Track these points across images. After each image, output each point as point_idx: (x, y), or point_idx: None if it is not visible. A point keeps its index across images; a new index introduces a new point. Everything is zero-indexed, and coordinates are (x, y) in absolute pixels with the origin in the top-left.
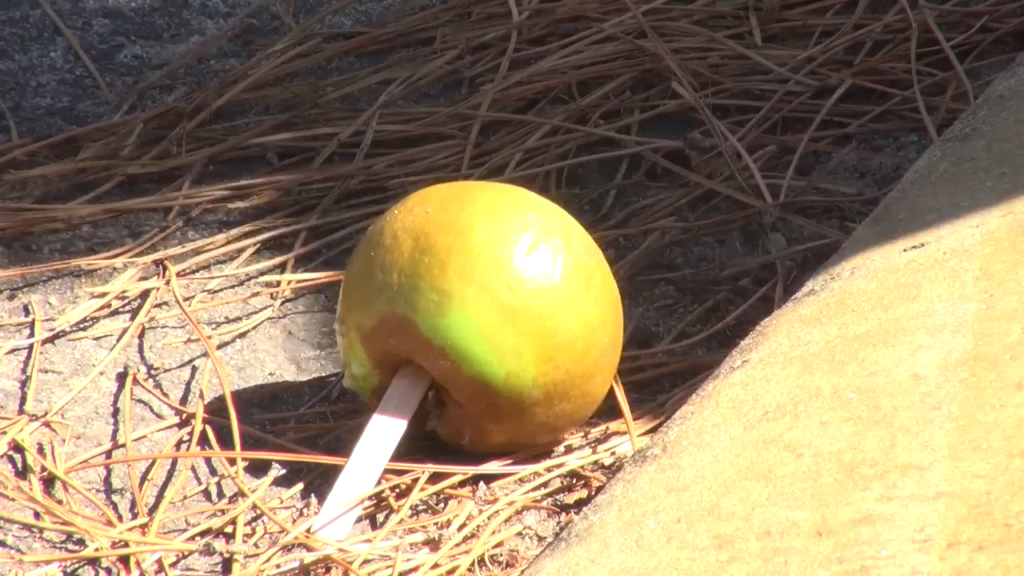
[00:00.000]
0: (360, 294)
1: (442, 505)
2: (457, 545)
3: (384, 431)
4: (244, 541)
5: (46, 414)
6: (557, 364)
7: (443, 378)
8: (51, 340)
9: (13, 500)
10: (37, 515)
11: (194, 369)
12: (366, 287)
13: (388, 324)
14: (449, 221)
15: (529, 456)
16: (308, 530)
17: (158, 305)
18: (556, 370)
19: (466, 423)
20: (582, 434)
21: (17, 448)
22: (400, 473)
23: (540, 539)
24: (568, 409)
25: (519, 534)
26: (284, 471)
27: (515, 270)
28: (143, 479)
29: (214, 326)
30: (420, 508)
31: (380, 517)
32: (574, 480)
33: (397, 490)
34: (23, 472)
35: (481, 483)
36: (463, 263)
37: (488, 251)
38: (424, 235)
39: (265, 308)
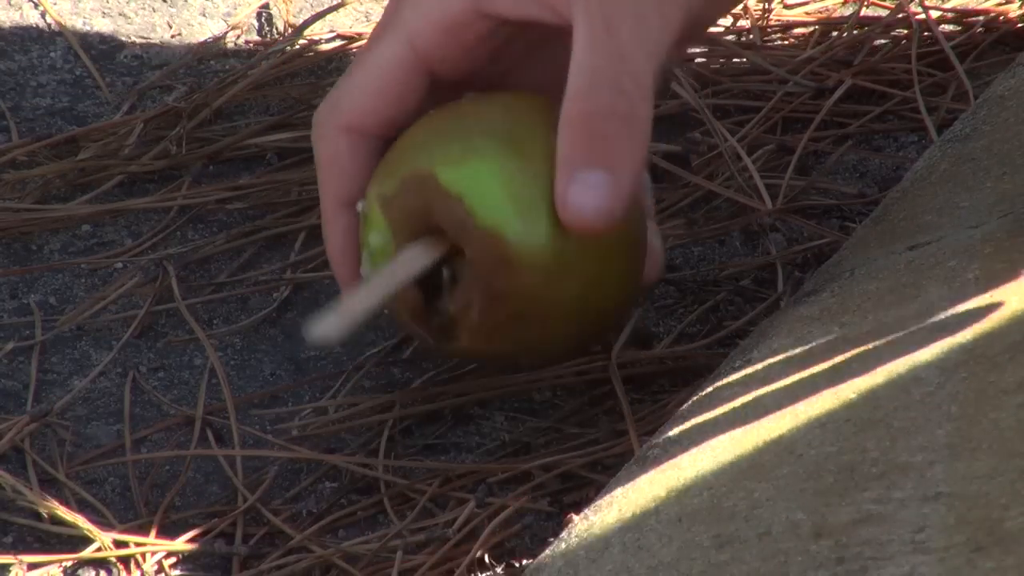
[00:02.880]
0: (384, 168)
1: (442, 505)
2: (457, 545)
3: (396, 272)
4: (244, 541)
5: (46, 414)
6: (570, 232)
7: (457, 232)
8: (51, 340)
9: (13, 500)
10: (37, 515)
11: (194, 369)
12: (391, 162)
13: (409, 185)
14: (479, 103)
15: (529, 457)
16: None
17: (158, 305)
18: (568, 237)
19: (476, 289)
20: (583, 434)
21: (17, 448)
22: (400, 473)
23: (540, 539)
24: (580, 293)
25: (519, 534)
26: (284, 471)
27: (543, 135)
28: (143, 479)
29: (214, 326)
30: (420, 508)
31: (380, 517)
32: (574, 480)
33: (397, 490)
34: (23, 472)
35: (481, 483)
36: (492, 122)
37: (517, 115)
38: (456, 109)
39: (265, 308)
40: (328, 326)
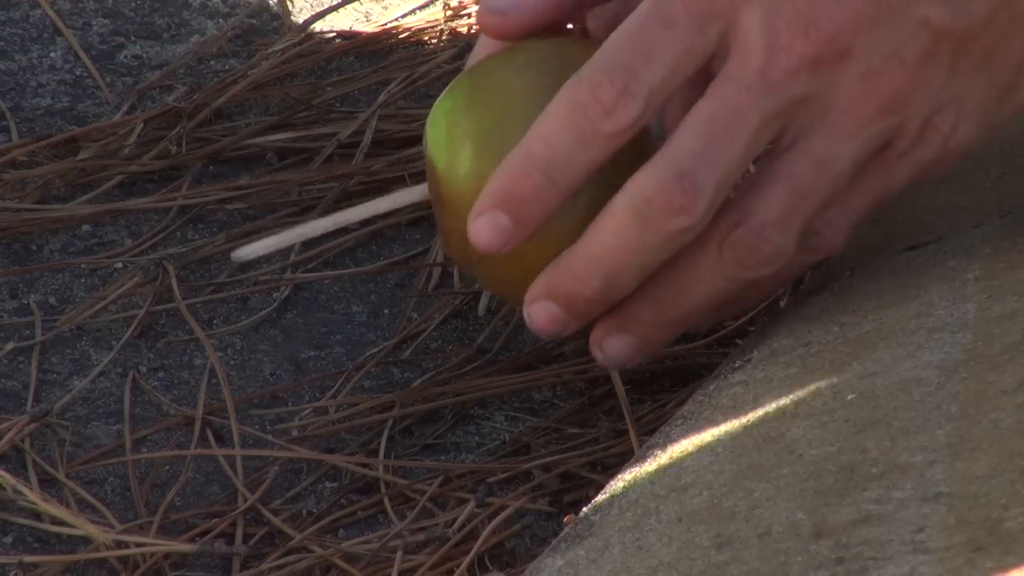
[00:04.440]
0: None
1: (442, 505)
2: (457, 545)
3: (359, 210)
4: (244, 541)
5: (46, 414)
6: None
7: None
8: (51, 340)
9: (13, 500)
10: (37, 515)
11: (194, 369)
12: None
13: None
14: (520, 45)
15: (529, 457)
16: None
17: (158, 305)
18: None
19: (437, 211)
20: (583, 434)
21: (17, 448)
22: (400, 473)
23: (540, 539)
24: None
25: (519, 534)
26: (284, 471)
27: (533, 79)
28: (143, 479)
29: (214, 326)
30: (420, 508)
31: (380, 517)
32: (574, 480)
33: (397, 490)
34: (23, 472)
35: (481, 483)
36: (490, 64)
37: (528, 59)
38: (498, 51)
39: (265, 308)
40: (263, 245)
